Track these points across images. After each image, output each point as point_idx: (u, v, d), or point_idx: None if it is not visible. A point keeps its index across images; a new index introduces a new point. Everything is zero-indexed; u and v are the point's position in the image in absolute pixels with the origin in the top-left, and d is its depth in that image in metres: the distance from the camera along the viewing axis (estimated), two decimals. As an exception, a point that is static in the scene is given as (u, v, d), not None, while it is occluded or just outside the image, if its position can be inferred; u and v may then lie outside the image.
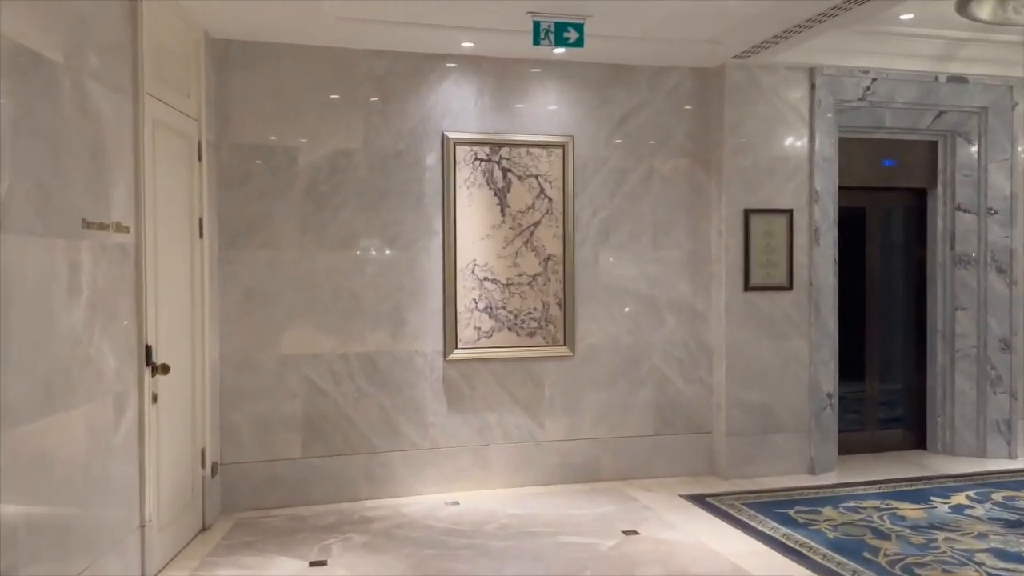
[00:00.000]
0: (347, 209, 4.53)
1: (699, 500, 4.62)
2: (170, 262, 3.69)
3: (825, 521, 4.28)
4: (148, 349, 3.37)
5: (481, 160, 4.69)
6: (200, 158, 4.06)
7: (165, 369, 3.48)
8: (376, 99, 4.57)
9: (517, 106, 4.78)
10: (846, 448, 5.46)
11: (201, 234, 4.07)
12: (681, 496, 4.69)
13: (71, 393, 2.75)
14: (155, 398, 3.46)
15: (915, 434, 5.90)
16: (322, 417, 4.51)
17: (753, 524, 4.21)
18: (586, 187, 4.89)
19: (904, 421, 5.94)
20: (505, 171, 4.73)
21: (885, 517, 4.36)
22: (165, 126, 3.64)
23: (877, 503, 4.62)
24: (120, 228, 3.16)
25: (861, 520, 4.30)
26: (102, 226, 3.00)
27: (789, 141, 5.10)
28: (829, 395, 5.25)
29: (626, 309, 4.98)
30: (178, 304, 3.81)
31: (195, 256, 4.01)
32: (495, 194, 4.72)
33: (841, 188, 5.28)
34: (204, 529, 4.09)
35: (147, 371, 3.37)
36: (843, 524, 4.23)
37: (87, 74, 2.91)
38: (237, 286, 4.39)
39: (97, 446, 2.96)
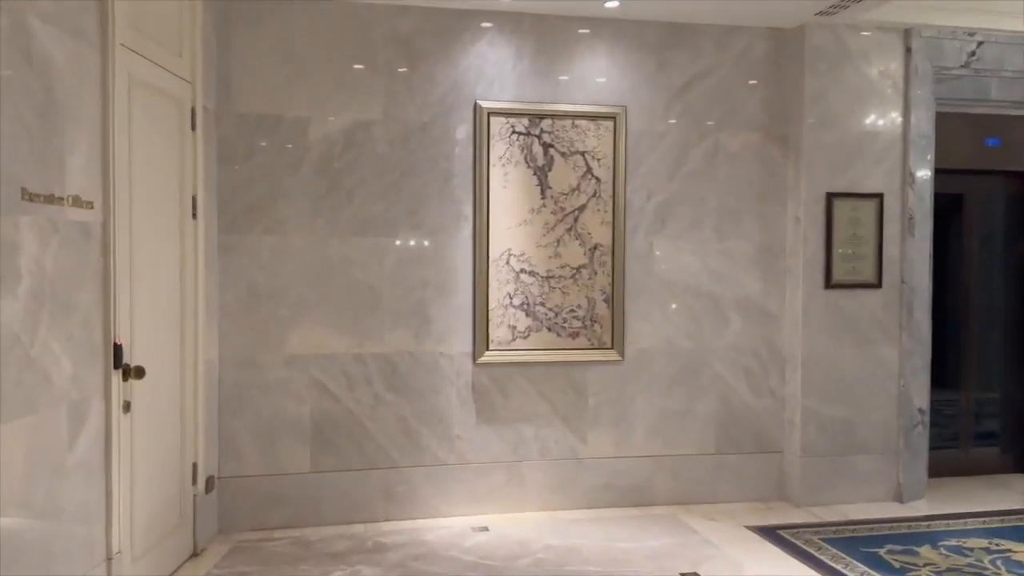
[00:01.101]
0: (364, 190, 3.95)
1: (770, 533, 3.93)
2: (153, 247, 3.16)
3: (926, 566, 3.56)
4: (118, 349, 2.83)
5: (519, 134, 4.06)
6: (194, 127, 3.52)
7: (139, 372, 2.95)
8: (399, 63, 3.97)
9: (561, 72, 4.13)
10: (935, 469, 4.70)
11: (195, 215, 3.53)
12: (749, 528, 4.00)
13: None
14: (127, 406, 2.92)
15: (1016, 454, 5.10)
16: (334, 426, 3.95)
17: (839, 568, 3.51)
18: (640, 166, 4.23)
19: (1002, 438, 5.14)
20: (546, 147, 4.10)
21: (998, 562, 3.62)
22: (147, 86, 3.10)
23: (984, 542, 3.87)
24: (80, 203, 2.62)
25: (969, 566, 3.57)
26: (52, 199, 2.46)
27: (880, 114, 4.36)
28: (921, 411, 4.51)
29: (684, 308, 4.31)
30: (163, 296, 3.27)
31: (186, 241, 3.47)
32: (534, 173, 4.09)
33: (936, 171, 4.52)
34: (195, 554, 3.56)
35: (116, 375, 2.84)
36: (948, 571, 3.51)
37: (32, 11, 2.36)
38: (238, 276, 3.85)
39: (42, 468, 2.42)
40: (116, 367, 2.83)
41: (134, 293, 2.98)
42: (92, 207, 2.70)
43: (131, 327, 2.95)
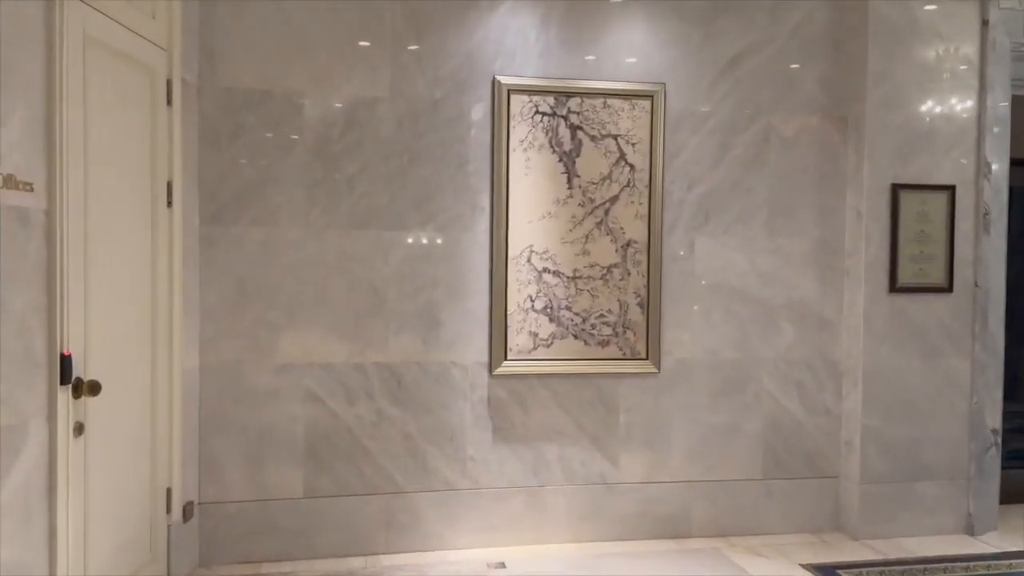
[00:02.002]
0: (367, 176, 3.47)
1: (830, 574, 3.41)
2: (116, 239, 2.69)
3: (1018, 619, 3.04)
4: (66, 361, 2.36)
5: (543, 114, 3.56)
6: (170, 102, 3.04)
7: (94, 388, 2.47)
8: (408, 33, 3.48)
9: (591, 44, 3.63)
10: (1006, 494, 4.16)
11: (170, 202, 3.05)
12: (804, 566, 3.49)
13: None
14: (79, 429, 2.45)
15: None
16: (330, 446, 3.47)
17: (917, 622, 3.00)
18: (680, 152, 3.72)
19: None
20: (574, 129, 3.59)
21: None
22: (109, 50, 2.62)
23: (1078, 587, 3.35)
24: (14, 184, 2.15)
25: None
26: (-26, 179, 1.99)
27: (953, 96, 3.83)
28: (994, 431, 3.98)
29: (729, 314, 3.79)
30: (129, 296, 2.80)
31: (160, 232, 3.00)
32: (560, 159, 3.59)
33: (1012, 161, 4.00)
34: (169, 593, 3.10)
35: (64, 392, 2.37)
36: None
37: (-55, -56, 1.90)
38: (222, 273, 3.38)
39: (-43, 511, 1.95)
40: (64, 383, 2.36)
41: (90, 294, 2.50)
42: (31, 189, 2.22)
43: (85, 334, 2.48)
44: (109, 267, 2.64)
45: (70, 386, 2.39)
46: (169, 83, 3.04)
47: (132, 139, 2.82)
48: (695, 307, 3.76)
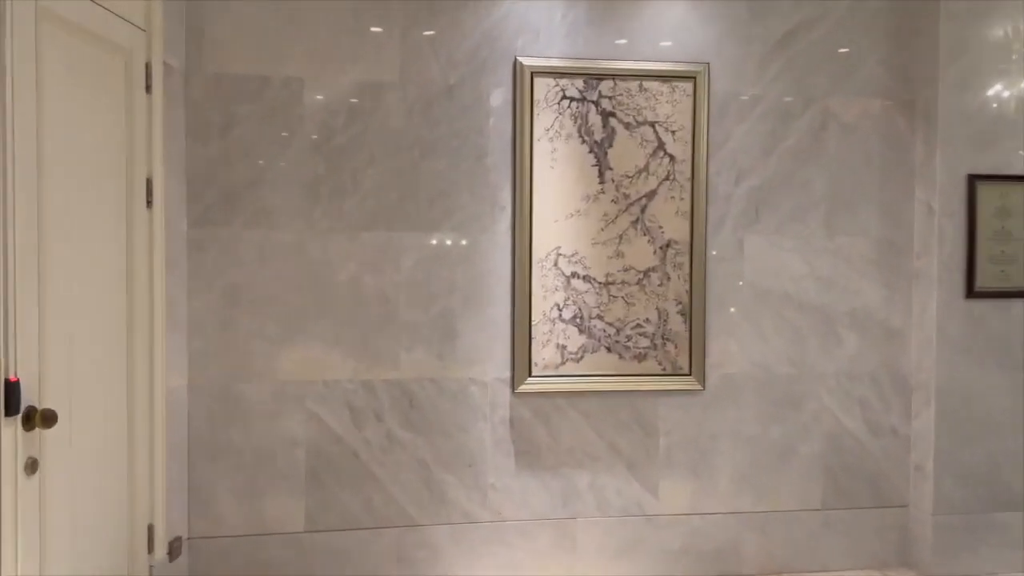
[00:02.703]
0: (374, 171, 3.09)
1: (904, 624, 2.97)
2: (81, 244, 2.33)
3: None
4: (11, 388, 2.00)
5: (571, 99, 3.16)
6: (149, 87, 2.69)
7: (49, 418, 2.12)
8: (419, 9, 3.10)
9: (626, 20, 3.22)
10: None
11: (149, 202, 2.70)
12: (873, 613, 3.05)
13: None
14: (32, 465, 2.10)
15: None
16: (335, 473, 3.10)
17: None
18: (727, 140, 3.29)
19: None
20: (606, 115, 3.18)
21: None
22: (70, 27, 2.27)
23: None
24: (-58, 180, 1.80)
25: None
26: None
27: (1039, 71, 3.36)
28: (1085, 454, 3.50)
29: (783, 323, 3.36)
30: (99, 309, 2.45)
31: (137, 235, 2.64)
32: (591, 150, 3.18)
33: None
34: (152, 642, 2.74)
35: (12, 424, 2.01)
36: None
37: None
38: (212, 281, 3.02)
39: None
40: (10, 413, 2.01)
41: (47, 310, 2.15)
42: (-35, 186, 1.87)
43: (40, 357, 2.12)
44: (72, 278, 2.28)
45: (18, 417, 2.04)
46: (148, 67, 2.68)
47: (102, 130, 2.46)
48: (744, 316, 3.33)
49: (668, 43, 3.23)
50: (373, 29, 3.07)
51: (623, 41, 3.21)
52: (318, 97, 3.05)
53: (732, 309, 3.32)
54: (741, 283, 3.32)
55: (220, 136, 3.01)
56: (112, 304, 2.53)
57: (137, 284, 2.64)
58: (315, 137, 3.06)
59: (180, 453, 2.96)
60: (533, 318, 3.17)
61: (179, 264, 2.94)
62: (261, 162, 3.03)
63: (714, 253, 3.29)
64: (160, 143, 2.74)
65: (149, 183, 2.69)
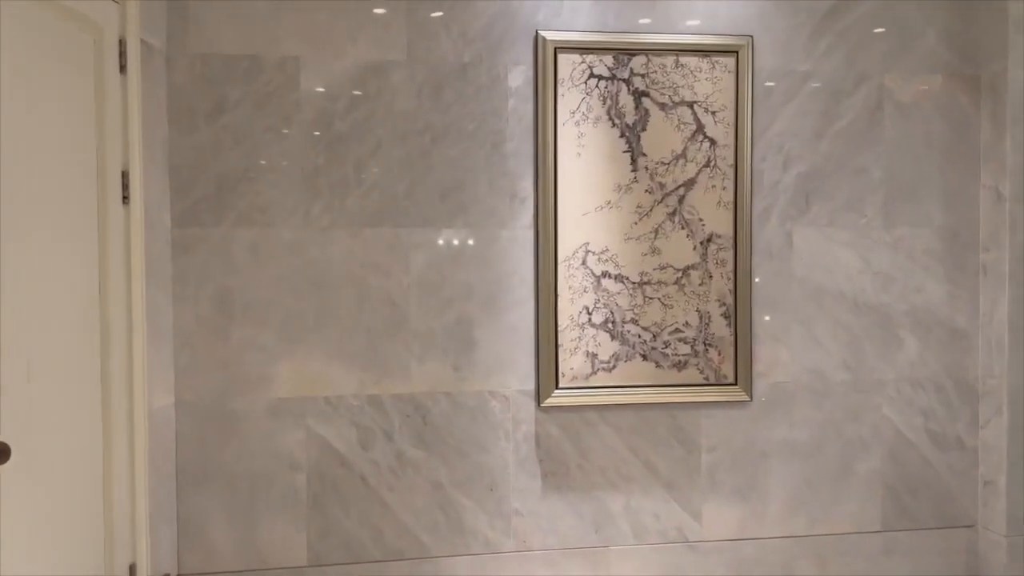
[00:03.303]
0: (379, 161, 2.76)
1: (986, 665, 2.62)
2: (39, 247, 2.01)
3: None
4: (-46, 416, 1.69)
5: (599, 78, 2.82)
6: (123, 67, 2.36)
7: (1, 452, 1.79)
8: (427, -21, 2.78)
9: (658, -11, 2.89)
10: None
11: (126, 197, 2.37)
12: (949, 653, 2.70)
13: None
14: (-18, 508, 1.78)
15: None
16: (340, 500, 2.77)
17: None
18: (773, 122, 2.95)
19: None
20: (639, 95, 2.85)
21: None
22: (25, -8, 1.95)
23: None
24: None
25: None
26: None
27: (1120, 41, 3.01)
28: None
29: (838, 325, 3.01)
30: (63, 323, 2.12)
31: (112, 236, 2.32)
32: (622, 134, 2.84)
33: None
34: None
35: (-46, 459, 1.69)
36: None
37: None
38: (200, 286, 2.69)
39: None
40: (-49, 447, 1.69)
41: (-2, 320, 1.83)
42: None
43: (-11, 376, 1.80)
44: (31, 287, 1.96)
45: (-38, 451, 1.72)
46: (122, 43, 2.36)
47: (69, 116, 2.14)
48: (795, 317, 2.98)
49: (707, 14, 2.89)
50: (377, 4, 2.74)
51: (657, 12, 2.87)
52: (316, 79, 2.73)
53: (781, 310, 2.97)
54: (791, 281, 2.98)
55: (207, 124, 2.68)
56: (81, 315, 2.20)
57: (112, 292, 2.32)
58: (314, 124, 2.73)
59: (167, 480, 2.63)
60: (559, 323, 2.83)
61: (162, 268, 2.61)
62: (254, 152, 2.70)
63: (761, 248, 2.95)
64: (138, 131, 2.41)
65: (125, 176, 2.37)
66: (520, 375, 2.85)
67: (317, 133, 2.73)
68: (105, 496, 2.30)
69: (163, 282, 2.62)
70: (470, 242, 2.82)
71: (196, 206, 2.68)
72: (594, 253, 2.84)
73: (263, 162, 2.71)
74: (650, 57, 2.84)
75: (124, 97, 2.37)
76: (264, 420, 2.74)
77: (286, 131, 2.72)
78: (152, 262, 2.53)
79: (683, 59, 2.85)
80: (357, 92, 2.74)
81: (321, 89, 2.73)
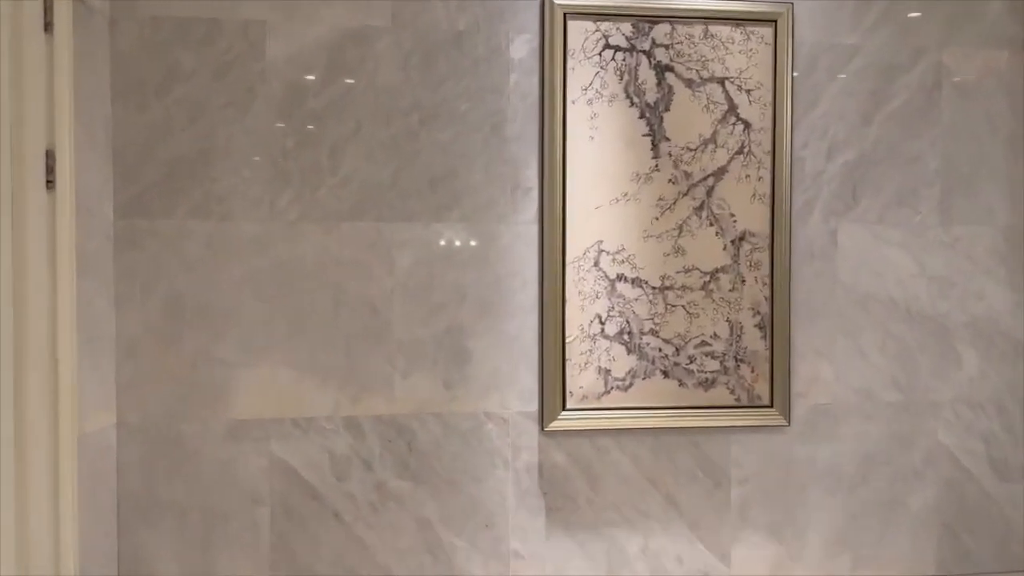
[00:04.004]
0: (359, 144, 2.37)
1: None
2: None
3: None
4: None
5: (616, 49, 2.43)
6: (49, 27, 1.97)
7: None
8: (416, -67, 2.39)
9: (684, -53, 2.49)
10: None
11: (50, 183, 1.98)
12: None
13: None
14: None
15: None
16: (310, 539, 2.37)
17: None
18: (816, 102, 2.56)
19: None
20: (662, 70, 2.45)
21: None
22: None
23: None
24: None
25: None
26: None
27: None
28: None
29: (889, 337, 2.61)
30: (-38, 330, 1.73)
31: (33, 228, 1.92)
32: (642, 115, 2.45)
33: None
34: None
35: None
36: None
37: None
38: (149, 289, 2.30)
39: None
40: None
41: None
42: None
43: None
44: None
45: None
46: (48, 2, 1.97)
47: (-30, 76, 1.75)
48: (839, 328, 2.59)
49: (739, -23, 2.51)
50: (357, -42, 2.35)
51: (681, -25, 2.48)
52: (286, 47, 2.34)
53: (824, 320, 2.57)
54: (835, 286, 2.58)
55: (158, 98, 2.29)
56: (-13, 321, 1.80)
57: (32, 293, 1.92)
58: (282, 100, 2.34)
59: (106, 515, 2.24)
60: (567, 334, 2.43)
61: (102, 265, 2.22)
62: (211, 132, 2.31)
63: (801, 248, 2.55)
64: (67, 103, 2.01)
65: (50, 156, 1.97)
66: (521, 394, 2.45)
67: (286, 110, 2.34)
68: (18, 542, 1.90)
69: (103, 282, 2.23)
70: (464, 239, 2.42)
71: (144, 194, 2.29)
72: (608, 253, 2.45)
73: (222, 144, 2.32)
74: (675, 25, 2.45)
75: (49, 62, 1.97)
76: (221, 445, 2.34)
77: (250, 108, 2.33)
78: (89, 259, 2.14)
79: (713, 28, 2.46)
80: (333, 63, 2.35)
81: (291, 59, 2.34)
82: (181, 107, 2.30)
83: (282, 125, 2.34)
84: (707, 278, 2.49)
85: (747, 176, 2.49)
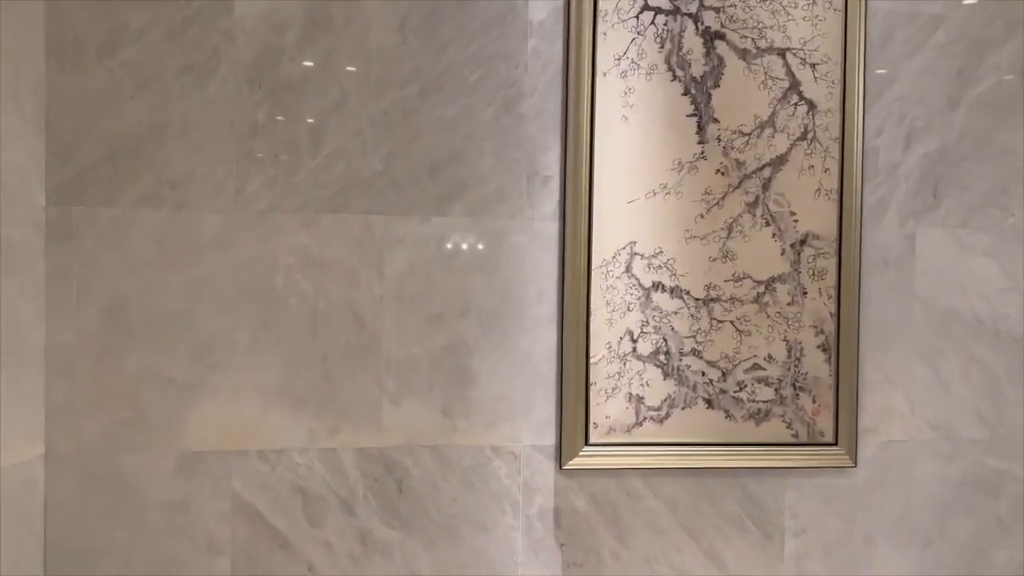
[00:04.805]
0: (345, 120, 1.96)
1: None
2: None
3: None
4: None
5: (658, 12, 2.02)
6: (-48, -39, 1.57)
7: None
8: None
9: None
10: None
11: (-49, 157, 1.58)
12: None
13: None
14: None
15: None
16: (278, 596, 1.96)
17: None
18: (893, 80, 2.15)
19: None
20: (711, 38, 2.04)
21: None
22: None
23: None
24: None
25: None
26: None
27: None
28: None
29: (974, 362, 2.20)
30: None
31: (-76, 212, 1.52)
32: (686, 91, 2.04)
33: None
34: None
35: None
36: None
37: None
38: (86, 292, 1.89)
39: None
40: None
41: None
42: None
43: None
44: None
45: None
46: (-46, -74, 1.57)
47: None
48: (917, 351, 2.17)
49: (804, -70, 2.09)
50: None
51: (735, -75, 2.07)
52: (257, 1, 1.93)
53: (899, 341, 2.16)
54: (913, 301, 2.16)
55: (100, 60, 1.89)
56: None
57: (-79, 295, 1.52)
58: (252, 65, 1.93)
59: (30, 566, 1.83)
60: (592, 353, 2.02)
61: (28, 262, 1.81)
62: (165, 103, 1.90)
63: (874, 254, 2.14)
64: (-22, 57, 1.62)
65: (-49, 123, 1.58)
66: (535, 424, 2.04)
67: (256, 77, 1.93)
68: None
69: (30, 282, 1.82)
70: (470, 237, 2.01)
71: (82, 177, 1.88)
72: (643, 256, 2.03)
73: (179, 117, 1.91)
74: (727, -15, 2.04)
75: (-47, 4, 1.58)
76: (172, 482, 1.93)
77: (212, 74, 1.92)
78: (14, 254, 1.74)
79: (772, -11, 2.05)
80: (314, 22, 1.95)
81: (264, 16, 1.93)
82: (128, 72, 1.89)
83: (252, 95, 1.93)
84: (761, 289, 2.07)
85: (810, 167, 2.08)
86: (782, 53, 2.07)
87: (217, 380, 1.93)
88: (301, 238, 1.96)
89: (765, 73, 2.06)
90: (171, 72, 1.91)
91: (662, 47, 2.02)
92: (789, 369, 2.09)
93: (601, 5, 1.99)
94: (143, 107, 1.90)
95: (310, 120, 1.95)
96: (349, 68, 1.96)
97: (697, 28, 2.03)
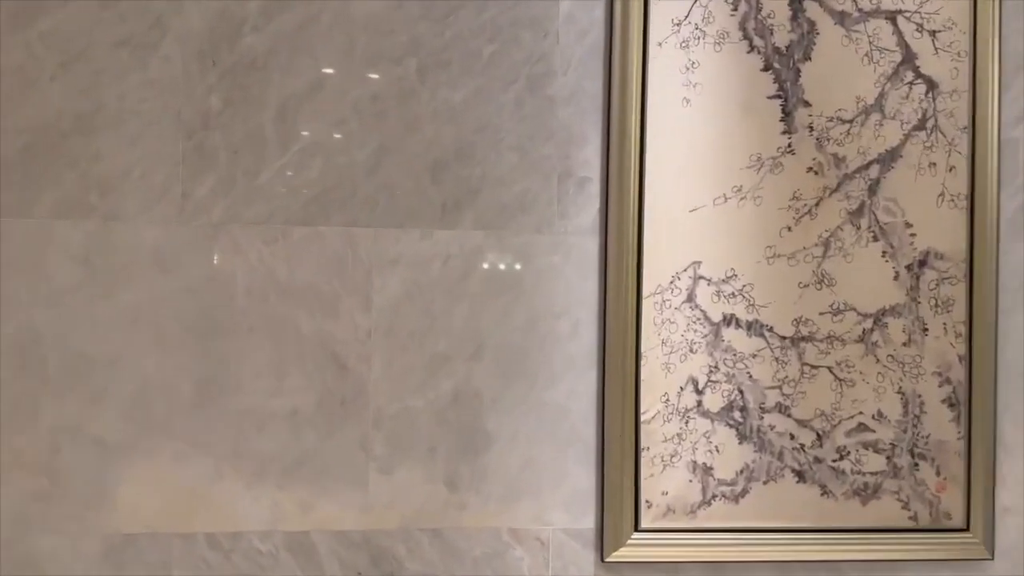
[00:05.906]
0: (322, 106, 1.55)
1: None
2: None
3: None
4: None
5: (725, -34, 1.57)
6: None
7: None
8: None
9: None
10: None
11: None
12: None
13: None
14: None
15: None
16: None
17: None
18: (1038, 53, 1.67)
19: None
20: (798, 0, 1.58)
21: None
22: None
23: None
24: None
25: None
26: None
27: None
28: None
29: None
30: None
31: None
32: (767, 66, 1.58)
33: None
34: None
35: None
36: None
37: None
38: (-17, 326, 1.49)
39: None
40: None
41: None
42: None
43: None
44: None
45: None
46: None
47: None
48: (1073, 408, 1.66)
49: None
50: None
51: None
52: (215, -44, 1.53)
53: (1051, 395, 1.65)
54: (1068, 342, 1.66)
55: (14, 32, 1.49)
56: None
57: None
58: (203, 38, 1.52)
59: None
60: (644, 408, 1.55)
61: (-93, 289, 1.41)
62: (95, 86, 1.50)
63: (1011, 278, 1.65)
64: None
65: None
66: (569, 502, 1.57)
67: (210, 53, 1.52)
68: None
69: (-90, 316, 1.41)
70: (484, 257, 1.57)
71: (-12, 179, 1.48)
72: (710, 281, 1.57)
73: (112, 103, 1.50)
74: (819, -70, 1.58)
75: None
76: (98, 571, 1.50)
77: (153, 51, 1.51)
78: None
79: (879, -65, 1.59)
80: (287, -18, 1.53)
81: (223, -25, 1.52)
82: (50, 47, 1.49)
83: (203, 76, 1.52)
84: (868, 324, 1.59)
85: (931, 165, 1.60)
86: (892, 17, 1.59)
87: (155, 441, 1.50)
88: (265, 257, 1.53)
89: (870, 43, 1.59)
90: (102, 48, 1.50)
91: (735, 9, 1.57)
92: (905, 431, 1.59)
93: (654, -42, 1.55)
94: (67, 91, 1.50)
95: (277, 106, 1.53)
96: (328, 40, 1.54)
97: (781, -15, 1.57)
